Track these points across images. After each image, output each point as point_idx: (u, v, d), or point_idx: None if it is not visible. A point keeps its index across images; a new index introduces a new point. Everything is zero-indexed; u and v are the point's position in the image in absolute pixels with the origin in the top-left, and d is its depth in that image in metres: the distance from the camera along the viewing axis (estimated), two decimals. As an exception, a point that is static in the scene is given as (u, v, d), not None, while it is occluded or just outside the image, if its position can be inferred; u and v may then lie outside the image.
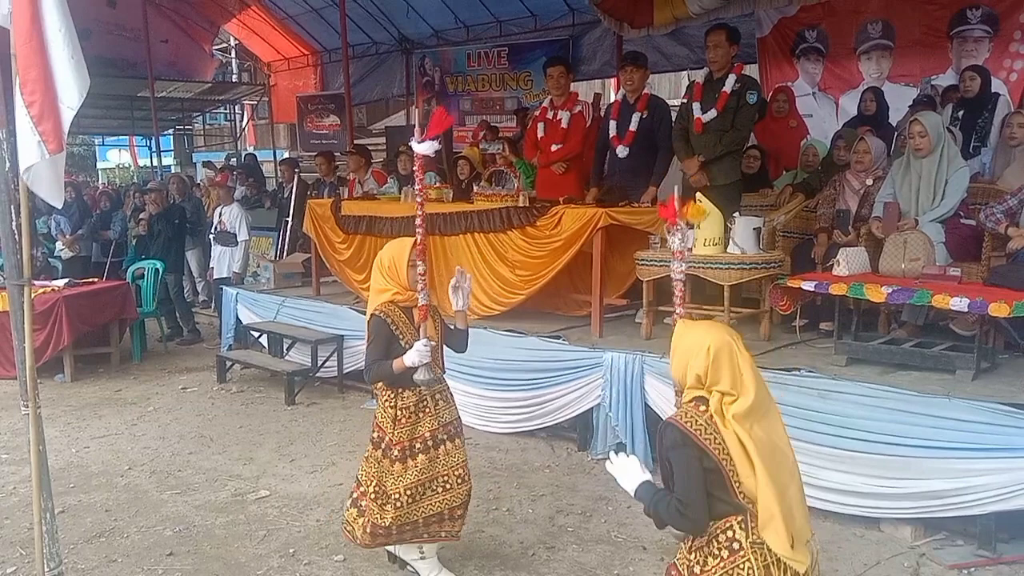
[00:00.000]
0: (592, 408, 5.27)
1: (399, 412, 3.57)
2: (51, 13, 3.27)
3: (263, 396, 6.93)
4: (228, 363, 7.52)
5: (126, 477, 5.13)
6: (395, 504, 3.53)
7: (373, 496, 3.58)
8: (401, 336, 3.54)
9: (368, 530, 3.60)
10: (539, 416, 5.53)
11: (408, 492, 3.54)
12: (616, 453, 2.60)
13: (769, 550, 2.31)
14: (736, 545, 2.31)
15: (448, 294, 3.72)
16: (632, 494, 2.50)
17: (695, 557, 2.38)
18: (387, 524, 3.54)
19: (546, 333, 5.70)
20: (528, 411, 5.57)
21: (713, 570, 2.33)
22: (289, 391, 6.69)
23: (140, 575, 3.92)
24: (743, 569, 2.30)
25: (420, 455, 3.58)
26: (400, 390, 3.58)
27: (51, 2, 3.26)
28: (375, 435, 3.66)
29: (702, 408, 2.34)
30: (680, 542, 2.50)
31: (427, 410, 3.61)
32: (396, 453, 3.56)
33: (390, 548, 3.80)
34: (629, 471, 2.52)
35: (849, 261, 4.71)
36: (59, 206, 4.20)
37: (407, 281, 3.54)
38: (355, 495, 3.72)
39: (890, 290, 4.27)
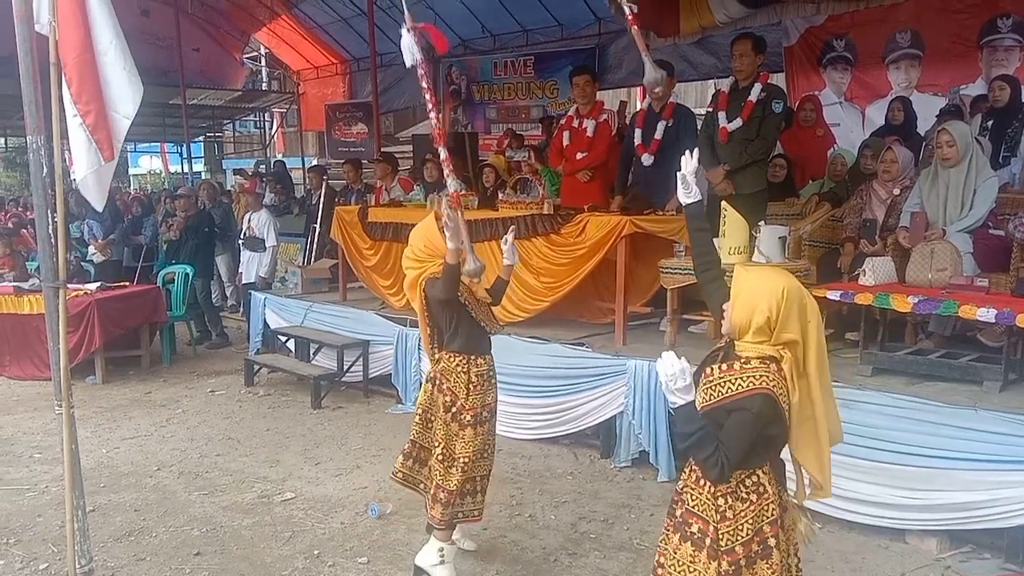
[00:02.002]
0: (615, 416, 5.27)
1: (473, 378, 3.76)
2: (103, 27, 3.39)
3: (290, 400, 7.01)
4: (256, 367, 7.61)
5: (155, 478, 5.21)
6: (461, 468, 3.72)
7: (440, 458, 3.74)
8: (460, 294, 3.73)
9: (440, 498, 3.73)
10: (562, 423, 5.55)
11: (473, 456, 3.75)
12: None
13: (785, 492, 2.49)
14: (762, 489, 2.42)
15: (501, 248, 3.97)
16: (673, 407, 2.42)
17: (724, 502, 2.42)
18: (453, 488, 3.72)
19: (570, 340, 5.72)
20: (551, 418, 5.59)
21: (743, 514, 2.41)
22: (315, 395, 6.76)
23: (168, 574, 3.99)
24: (769, 511, 2.42)
25: (487, 422, 3.82)
26: (473, 357, 3.78)
27: (102, 16, 3.38)
28: (447, 399, 3.78)
29: (774, 368, 2.33)
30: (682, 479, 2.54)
31: (493, 380, 3.88)
32: (468, 418, 3.74)
33: (419, 563, 3.85)
34: (678, 378, 2.35)
35: (875, 271, 4.68)
36: (100, 210, 4.34)
37: (445, 248, 3.65)
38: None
39: (916, 300, 4.24)
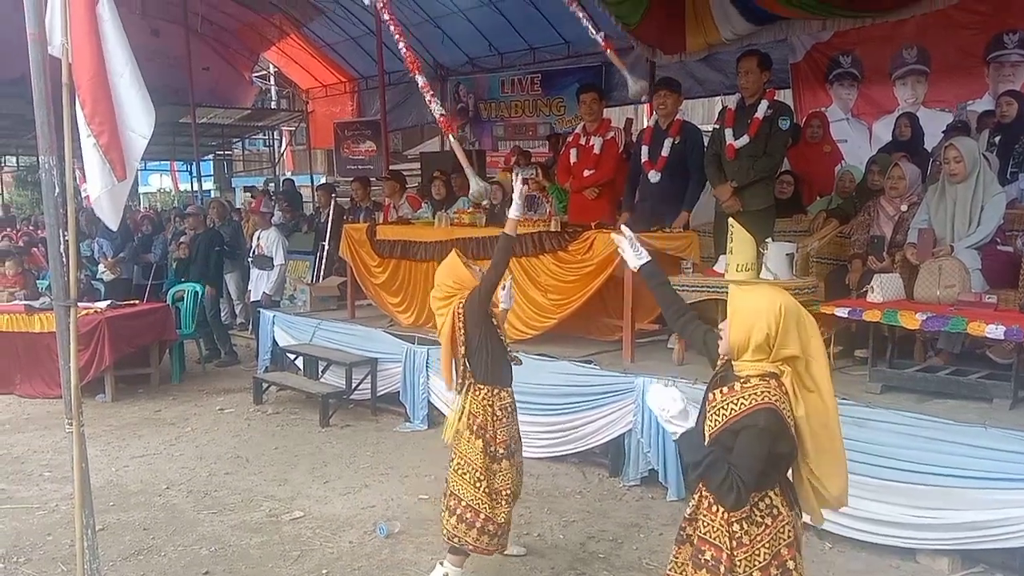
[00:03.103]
0: (624, 434, 5.26)
1: (497, 411, 3.82)
2: (117, 48, 3.44)
3: (298, 418, 7.02)
4: (264, 385, 7.63)
5: (164, 496, 5.22)
6: (505, 500, 3.79)
7: (487, 491, 3.75)
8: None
9: (488, 531, 3.75)
10: (570, 441, 5.54)
11: (513, 488, 3.85)
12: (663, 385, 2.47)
13: (800, 511, 2.49)
14: (776, 511, 2.41)
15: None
16: (675, 438, 2.41)
17: (739, 528, 2.40)
18: (501, 521, 3.77)
19: (578, 357, 5.71)
20: (559, 436, 5.58)
21: (759, 538, 2.40)
22: (324, 413, 6.76)
23: (176, 593, 3.99)
24: (785, 533, 2.42)
25: (517, 452, 3.93)
26: (496, 389, 3.83)
27: (116, 39, 3.44)
28: (476, 423, 3.80)
29: (774, 384, 2.33)
30: (692, 504, 2.52)
31: (515, 412, 3.94)
32: (501, 451, 3.81)
33: None
34: (672, 407, 2.37)
35: (883, 287, 4.68)
36: (115, 229, 4.40)
37: (472, 279, 3.84)
38: (453, 506, 3.81)
39: (925, 317, 4.23)
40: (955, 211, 4.91)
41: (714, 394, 2.44)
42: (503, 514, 3.78)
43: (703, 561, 2.45)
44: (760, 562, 2.39)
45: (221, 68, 16.14)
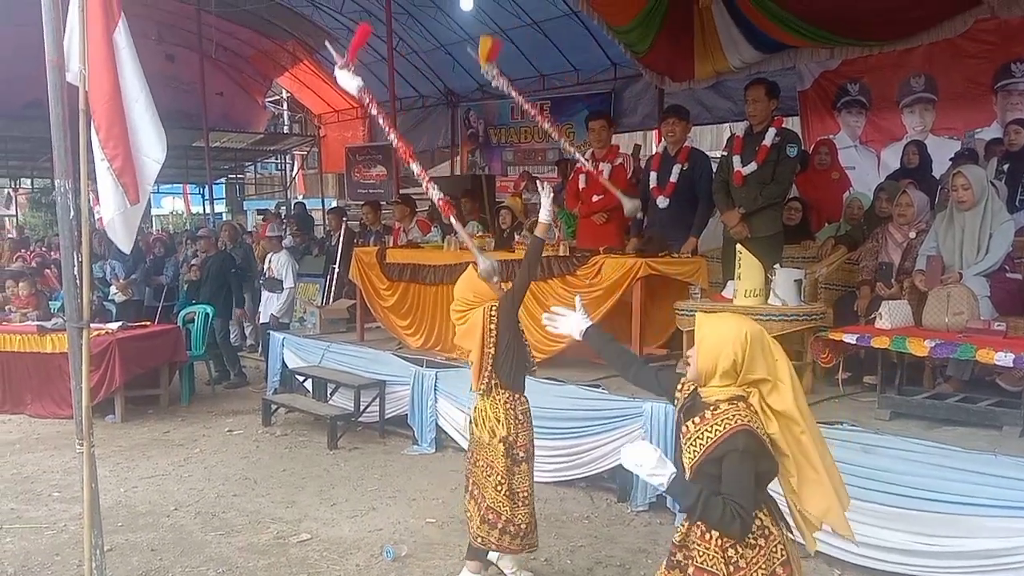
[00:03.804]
0: (632, 458, 5.24)
1: (519, 415, 3.94)
2: (132, 75, 3.52)
3: (306, 440, 7.03)
4: (273, 407, 7.65)
5: (172, 517, 5.23)
6: (523, 502, 3.87)
7: (507, 494, 3.85)
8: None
9: (510, 531, 3.85)
10: (578, 465, 5.53)
11: (531, 490, 3.95)
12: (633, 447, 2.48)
13: (789, 529, 2.48)
14: (767, 532, 2.43)
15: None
16: (664, 488, 2.43)
17: (734, 552, 2.41)
18: (522, 522, 3.86)
19: (586, 382, 5.72)
20: (567, 460, 5.57)
21: (755, 560, 2.41)
22: (332, 435, 6.77)
23: (183, 615, 3.99)
24: (778, 553, 2.44)
25: (533, 456, 4.03)
26: (516, 395, 3.96)
27: (131, 65, 3.51)
28: (499, 427, 3.89)
29: (742, 406, 2.38)
30: (681, 531, 2.52)
31: (531, 417, 4.03)
32: (522, 454, 3.92)
33: None
34: (647, 460, 2.40)
35: (892, 314, 4.68)
36: (128, 252, 4.46)
37: (491, 293, 3.99)
38: (476, 508, 3.92)
39: (933, 344, 4.23)
40: (963, 238, 4.92)
41: (687, 426, 2.48)
42: (522, 515, 3.89)
43: None
44: None
45: (234, 93, 16.35)
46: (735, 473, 2.35)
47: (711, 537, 2.43)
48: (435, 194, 4.19)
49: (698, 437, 2.42)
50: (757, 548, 2.42)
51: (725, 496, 2.34)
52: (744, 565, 2.41)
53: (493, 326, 3.91)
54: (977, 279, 4.79)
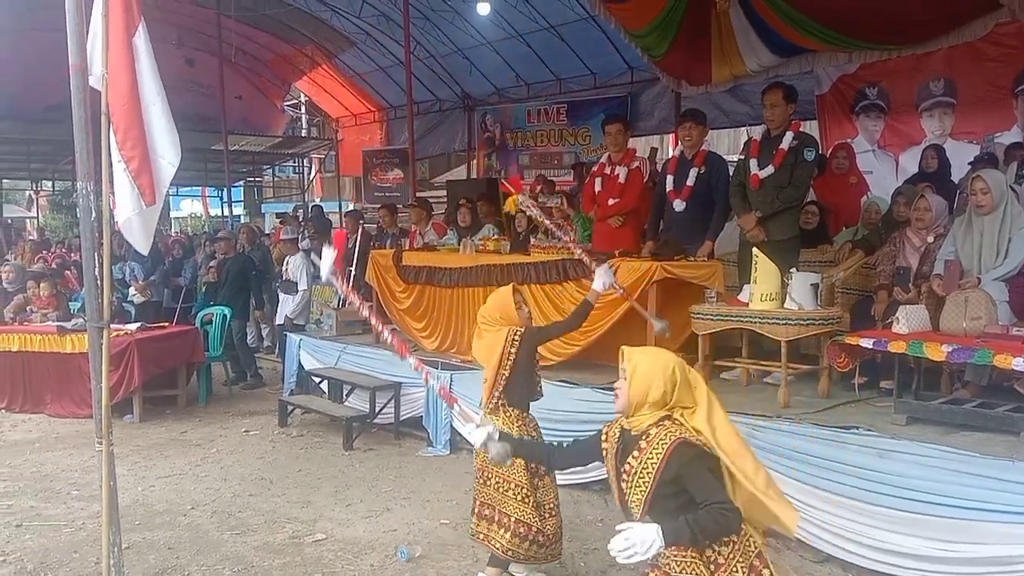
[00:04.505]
0: (646, 462, 5.23)
1: (533, 431, 4.08)
2: (149, 79, 3.56)
3: (322, 440, 7.07)
4: (289, 407, 7.70)
5: (189, 516, 5.27)
6: (550, 511, 3.98)
7: (534, 506, 3.92)
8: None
9: (539, 541, 3.92)
10: (593, 468, 5.51)
11: (556, 500, 4.05)
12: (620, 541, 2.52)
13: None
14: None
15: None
16: (667, 544, 2.48)
17: (712, 552, 2.51)
18: (550, 532, 3.94)
19: (600, 384, 5.71)
20: (581, 463, 5.56)
21: (732, 555, 2.51)
22: (347, 436, 6.80)
23: (199, 612, 4.02)
24: (752, 545, 2.55)
25: (553, 470, 4.07)
26: (524, 413, 4.09)
27: (149, 69, 3.56)
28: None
29: (668, 423, 2.55)
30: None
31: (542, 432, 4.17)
32: (543, 469, 3.98)
33: None
34: (646, 538, 2.44)
35: (909, 319, 4.65)
36: (146, 254, 4.49)
37: (519, 320, 4.06)
38: (506, 522, 3.95)
39: (950, 349, 4.20)
40: (982, 243, 4.88)
41: (629, 464, 2.59)
42: (551, 525, 3.96)
43: None
44: None
45: (253, 97, 16.47)
46: (698, 480, 2.47)
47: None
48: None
49: (643, 468, 2.54)
50: (731, 544, 2.52)
51: (704, 505, 2.44)
52: (723, 562, 2.50)
53: (513, 351, 3.99)
54: (996, 284, 4.75)
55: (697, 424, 2.55)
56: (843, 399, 5.13)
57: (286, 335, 8.89)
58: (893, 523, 4.01)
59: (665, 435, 2.53)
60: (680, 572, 2.50)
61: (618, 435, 2.73)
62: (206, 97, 14.79)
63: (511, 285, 4.18)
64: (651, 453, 2.53)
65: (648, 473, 2.52)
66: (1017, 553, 3.70)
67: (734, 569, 2.49)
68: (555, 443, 3.18)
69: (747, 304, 5.21)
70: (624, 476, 2.60)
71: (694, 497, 2.47)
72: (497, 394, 4.03)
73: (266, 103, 17.00)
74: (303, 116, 21.82)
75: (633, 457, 2.58)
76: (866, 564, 4.12)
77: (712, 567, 2.49)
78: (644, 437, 2.57)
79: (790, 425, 4.62)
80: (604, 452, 2.77)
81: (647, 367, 2.62)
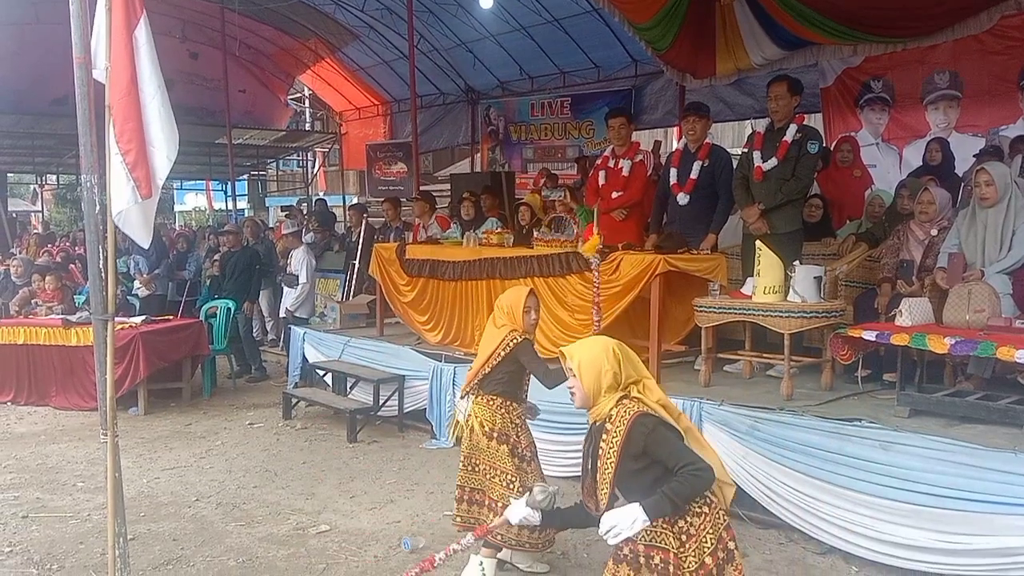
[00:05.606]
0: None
1: (516, 419, 4.13)
2: (149, 72, 3.56)
3: (326, 433, 7.09)
4: (294, 400, 7.73)
5: (193, 508, 5.30)
6: None
7: (520, 494, 3.83)
8: None
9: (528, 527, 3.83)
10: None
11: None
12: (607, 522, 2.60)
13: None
14: (708, 499, 2.64)
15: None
16: (651, 519, 2.56)
17: (684, 523, 2.59)
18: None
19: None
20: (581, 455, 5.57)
21: (703, 527, 2.59)
22: (351, 429, 6.83)
23: (204, 603, 4.04)
24: (720, 518, 2.65)
25: (537, 459, 4.19)
26: (510, 401, 4.13)
27: (149, 62, 3.56)
28: (495, 430, 4.07)
29: (625, 401, 2.66)
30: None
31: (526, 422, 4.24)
32: (529, 453, 4.10)
33: None
34: (629, 516, 2.54)
35: (912, 311, 4.65)
36: (146, 247, 4.49)
37: (521, 323, 4.10)
38: (491, 506, 4.02)
39: (953, 341, 4.20)
40: (986, 236, 4.88)
41: (601, 449, 2.68)
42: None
43: (653, 566, 2.59)
44: (708, 548, 2.58)
45: (257, 90, 16.46)
46: (664, 446, 2.58)
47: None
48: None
49: (610, 450, 2.63)
50: (703, 515, 2.60)
51: (677, 470, 2.53)
52: (694, 532, 2.58)
53: (504, 352, 4.06)
54: (999, 277, 4.75)
55: (658, 395, 2.72)
56: (846, 392, 5.14)
57: (290, 328, 8.92)
58: (895, 515, 4.02)
59: (625, 412, 2.64)
60: (650, 540, 2.59)
61: (589, 433, 2.83)
62: (210, 91, 14.80)
63: (529, 288, 4.27)
64: (615, 432, 2.64)
65: (614, 452, 2.63)
66: (1019, 544, 3.71)
67: (704, 540, 2.58)
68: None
69: (750, 297, 5.21)
70: (600, 459, 2.69)
71: (666, 464, 2.57)
72: (475, 385, 4.17)
73: (270, 97, 16.98)
74: (307, 110, 21.82)
75: (603, 441, 2.67)
76: (868, 556, 4.13)
77: (684, 537, 2.58)
78: (608, 420, 2.67)
79: (793, 417, 4.63)
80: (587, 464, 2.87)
81: (590, 357, 2.72)
